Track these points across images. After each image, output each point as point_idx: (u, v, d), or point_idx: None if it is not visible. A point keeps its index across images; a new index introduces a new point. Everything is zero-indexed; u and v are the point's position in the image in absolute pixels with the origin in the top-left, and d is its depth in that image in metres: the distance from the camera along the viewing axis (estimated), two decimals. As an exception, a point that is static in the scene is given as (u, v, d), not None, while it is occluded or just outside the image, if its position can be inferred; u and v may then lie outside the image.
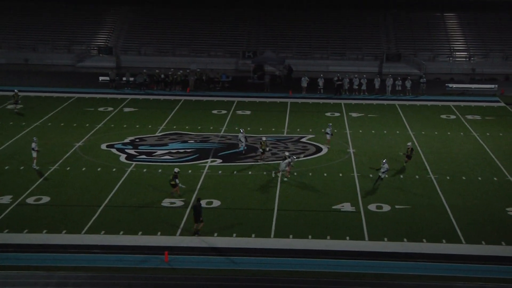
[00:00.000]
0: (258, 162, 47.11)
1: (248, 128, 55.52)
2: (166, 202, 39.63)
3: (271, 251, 33.69)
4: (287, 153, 45.15)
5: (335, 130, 54.66)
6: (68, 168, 45.46)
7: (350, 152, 50.06)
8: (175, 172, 40.50)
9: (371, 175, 44.55)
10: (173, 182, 40.21)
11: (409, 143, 47.83)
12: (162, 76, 72.41)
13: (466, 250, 33.84)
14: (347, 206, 39.43)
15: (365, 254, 33.41)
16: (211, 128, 56.39)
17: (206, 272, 31.58)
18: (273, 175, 44.22)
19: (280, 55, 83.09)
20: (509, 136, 55.17)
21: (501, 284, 30.41)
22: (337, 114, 62.02)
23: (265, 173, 45.10)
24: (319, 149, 50.61)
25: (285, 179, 43.68)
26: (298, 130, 56.24)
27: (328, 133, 51.10)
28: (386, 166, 42.61)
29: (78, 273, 31.19)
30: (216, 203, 39.75)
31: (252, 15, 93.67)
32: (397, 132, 56.15)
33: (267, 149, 48.10)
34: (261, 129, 55.94)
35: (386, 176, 43.08)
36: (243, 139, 49.21)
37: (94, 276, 30.91)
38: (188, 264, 32.35)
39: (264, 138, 48.20)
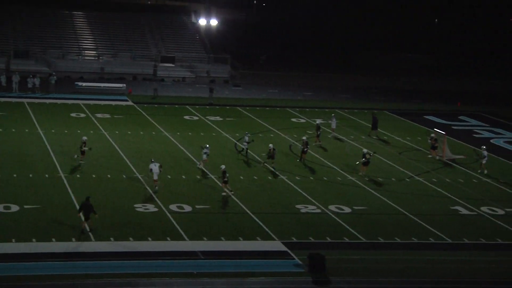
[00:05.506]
0: None
1: None
2: None
3: None
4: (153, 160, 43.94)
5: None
6: None
7: (-24, 152, 48.15)
8: None
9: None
10: None
11: (271, 145, 49.14)
12: None
13: (95, 247, 34.24)
14: (-27, 208, 37.87)
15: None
16: None
17: None
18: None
19: None
20: (137, 134, 56.97)
21: (129, 278, 31.26)
22: (-40, 112, 59.29)
23: None
24: None
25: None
26: None
27: None
28: (246, 138, 50.88)
29: None
30: None
31: None
32: (26, 130, 55.16)
33: None
34: None
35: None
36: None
37: None
38: None
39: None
